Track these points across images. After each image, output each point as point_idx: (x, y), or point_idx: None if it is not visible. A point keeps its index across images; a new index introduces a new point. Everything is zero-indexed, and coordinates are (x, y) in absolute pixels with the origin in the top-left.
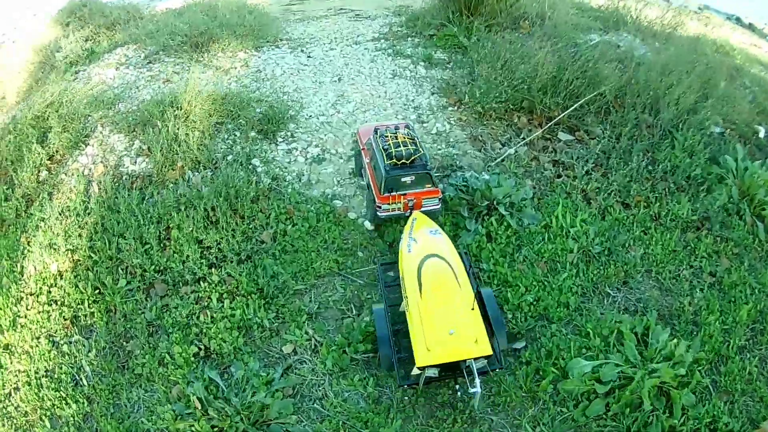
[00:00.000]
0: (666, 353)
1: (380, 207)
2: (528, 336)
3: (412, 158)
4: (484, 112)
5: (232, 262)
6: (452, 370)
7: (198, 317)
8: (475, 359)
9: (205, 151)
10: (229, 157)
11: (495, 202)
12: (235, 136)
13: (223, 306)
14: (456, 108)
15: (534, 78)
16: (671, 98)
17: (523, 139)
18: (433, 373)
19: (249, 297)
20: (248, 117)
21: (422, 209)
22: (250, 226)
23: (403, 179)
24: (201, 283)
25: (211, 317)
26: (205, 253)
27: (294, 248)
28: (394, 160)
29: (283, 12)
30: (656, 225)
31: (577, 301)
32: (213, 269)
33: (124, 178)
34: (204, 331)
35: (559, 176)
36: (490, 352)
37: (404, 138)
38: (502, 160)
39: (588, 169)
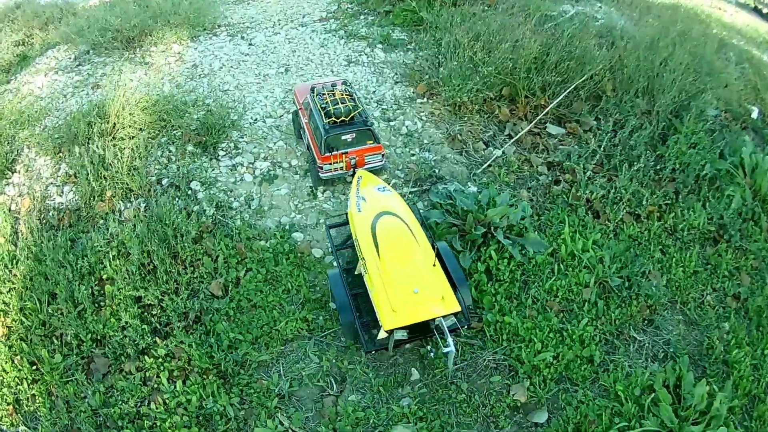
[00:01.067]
0: (702, 407)
1: (322, 168)
2: (550, 404)
3: (352, 115)
4: (459, 103)
5: (179, 326)
6: (421, 331)
7: (149, 404)
8: (444, 317)
9: (136, 176)
10: (164, 181)
11: (491, 227)
12: (170, 152)
13: (175, 388)
14: (425, 99)
15: (516, 59)
16: (666, 81)
17: (509, 136)
18: (401, 335)
19: (205, 376)
20: (184, 127)
21: (365, 167)
22: (195, 275)
23: (343, 137)
24: (146, 356)
25: (164, 404)
26: (145, 314)
27: (251, 303)
28: (333, 119)
29: None
30: (673, 240)
31: (601, 354)
32: (157, 338)
33: (51, 214)
34: (158, 424)
35: (558, 182)
36: (459, 308)
37: (342, 95)
38: (489, 166)
39: (589, 171)
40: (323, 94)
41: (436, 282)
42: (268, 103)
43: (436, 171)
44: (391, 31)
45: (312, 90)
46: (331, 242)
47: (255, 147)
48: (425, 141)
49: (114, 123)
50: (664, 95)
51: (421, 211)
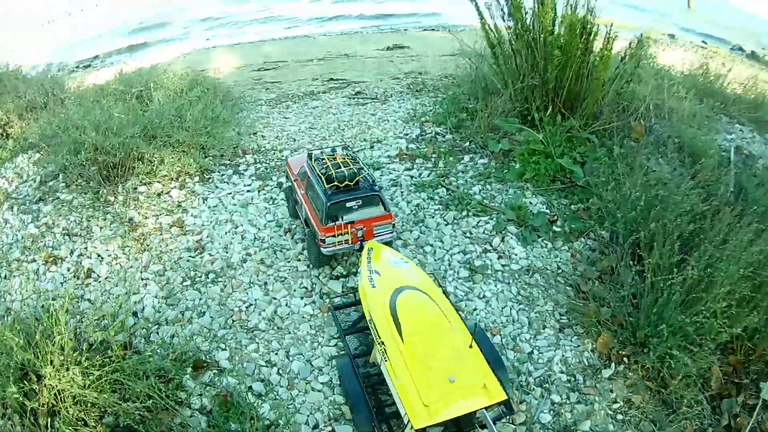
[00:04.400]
0: None
1: (324, 241)
2: None
3: (356, 179)
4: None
5: None
6: (458, 425)
7: None
8: (487, 408)
9: None
10: None
11: None
12: None
13: None
14: (614, 366)
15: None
16: None
17: None
18: None
19: None
20: None
21: (374, 239)
22: None
23: (348, 204)
24: None
25: None
26: None
27: None
28: (336, 183)
29: (253, 85)
30: None
31: None
32: None
33: None
34: None
35: None
36: (505, 397)
37: (344, 159)
38: None
39: None
40: (322, 159)
41: (475, 366)
42: (326, 383)
43: None
44: (521, 193)
45: (309, 156)
46: (338, 326)
47: None
48: None
49: (52, 393)
50: None
51: None
